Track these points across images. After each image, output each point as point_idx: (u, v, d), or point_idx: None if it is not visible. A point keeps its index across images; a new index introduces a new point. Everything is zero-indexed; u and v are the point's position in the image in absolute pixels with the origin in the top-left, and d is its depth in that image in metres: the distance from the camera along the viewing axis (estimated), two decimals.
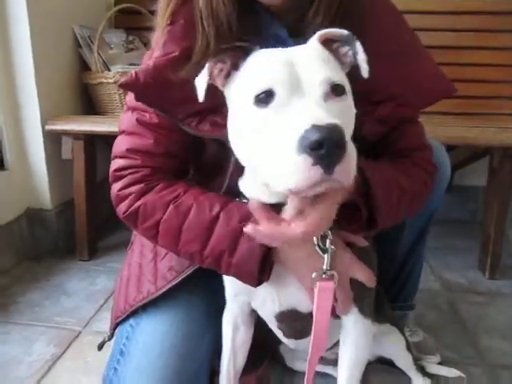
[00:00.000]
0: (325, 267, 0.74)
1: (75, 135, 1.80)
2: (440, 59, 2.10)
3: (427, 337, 1.30)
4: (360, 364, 0.86)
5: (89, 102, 2.06)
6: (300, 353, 1.09)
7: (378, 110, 0.84)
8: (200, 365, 0.95)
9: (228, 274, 0.82)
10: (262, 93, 0.62)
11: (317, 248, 0.75)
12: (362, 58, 0.68)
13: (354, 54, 0.69)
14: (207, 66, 0.69)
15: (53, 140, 1.86)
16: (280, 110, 0.61)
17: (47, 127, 1.80)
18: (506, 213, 1.76)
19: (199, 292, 1.00)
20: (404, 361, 1.13)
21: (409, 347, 1.12)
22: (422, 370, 1.17)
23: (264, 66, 0.66)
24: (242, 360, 0.96)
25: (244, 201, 0.79)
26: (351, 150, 0.58)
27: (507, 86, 2.14)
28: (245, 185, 0.80)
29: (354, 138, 0.83)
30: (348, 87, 0.67)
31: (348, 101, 0.67)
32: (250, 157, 0.67)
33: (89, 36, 2.03)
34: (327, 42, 0.71)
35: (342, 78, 0.66)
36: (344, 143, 0.56)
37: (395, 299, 1.22)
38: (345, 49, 0.71)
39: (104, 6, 2.26)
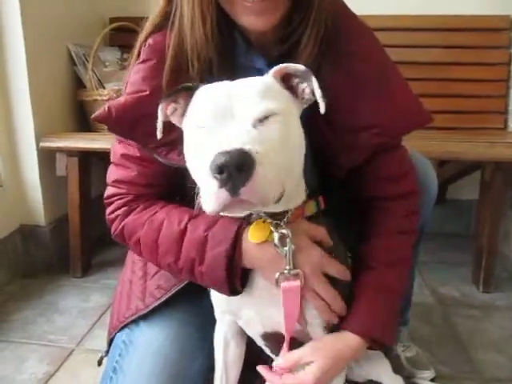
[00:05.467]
0: (287, 267, 0.75)
1: (69, 152, 1.81)
2: (431, 75, 2.17)
3: (421, 352, 1.29)
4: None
5: (83, 120, 2.07)
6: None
7: (355, 139, 0.85)
8: (194, 381, 0.95)
9: (204, 284, 0.84)
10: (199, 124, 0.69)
11: (277, 249, 0.76)
12: (318, 94, 0.71)
13: (312, 90, 0.73)
14: (160, 107, 0.74)
15: (47, 157, 1.86)
16: (211, 131, 0.66)
17: (42, 144, 1.80)
18: (499, 226, 1.77)
19: (191, 310, 1.00)
20: (393, 383, 1.12)
21: (396, 370, 1.11)
22: None
23: (201, 100, 0.72)
24: (235, 377, 0.96)
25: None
26: (260, 173, 0.60)
27: (497, 101, 2.18)
28: None
29: (333, 167, 0.85)
30: (287, 112, 0.70)
31: (279, 122, 0.68)
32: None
33: (83, 54, 2.06)
34: (288, 77, 0.74)
35: (277, 106, 0.68)
36: (247, 166, 0.59)
37: None
38: (303, 85, 0.74)
39: (99, 24, 2.29)
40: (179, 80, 0.81)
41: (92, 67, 1.95)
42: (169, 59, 0.84)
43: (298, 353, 0.81)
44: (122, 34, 2.22)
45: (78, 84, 2.05)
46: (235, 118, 0.66)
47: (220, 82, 0.73)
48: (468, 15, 2.16)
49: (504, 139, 1.94)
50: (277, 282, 0.76)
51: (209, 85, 0.73)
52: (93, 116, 0.86)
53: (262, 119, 0.66)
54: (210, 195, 0.61)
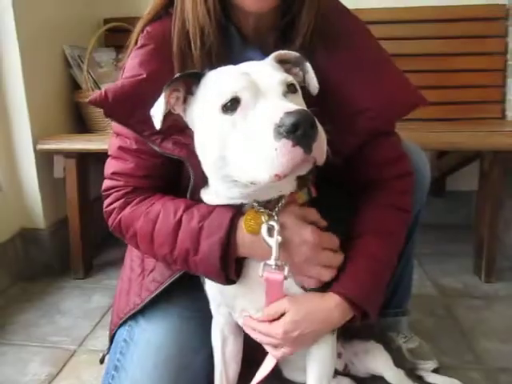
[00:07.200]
0: (273, 257, 0.75)
1: (67, 154, 1.81)
2: (427, 66, 2.17)
3: (423, 342, 1.29)
4: (327, 375, 0.88)
5: (80, 121, 2.07)
6: (297, 363, 1.09)
7: (350, 123, 0.86)
8: (195, 376, 0.96)
9: (198, 273, 0.85)
10: (228, 101, 0.67)
11: (266, 243, 0.76)
12: (311, 77, 0.77)
13: (304, 74, 0.78)
14: (163, 96, 0.73)
15: (45, 159, 1.86)
16: (247, 112, 0.66)
17: (39, 146, 1.80)
18: (499, 216, 1.77)
19: (190, 305, 1.01)
20: (395, 376, 1.12)
21: (399, 361, 1.11)
22: (420, 381, 1.16)
23: (224, 79, 0.71)
24: (234, 371, 0.96)
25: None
26: (321, 131, 0.63)
27: (495, 91, 2.17)
28: (207, 195, 0.84)
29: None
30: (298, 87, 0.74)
31: (301, 97, 0.74)
32: (223, 164, 0.70)
33: (79, 55, 2.05)
34: (283, 63, 0.78)
35: (292, 79, 0.72)
36: (315, 123, 0.61)
37: (387, 305, 1.21)
38: (295, 70, 0.79)
39: (93, 25, 2.29)
40: (184, 66, 0.83)
41: (87, 68, 1.95)
42: (175, 42, 0.85)
43: (275, 305, 0.81)
44: (116, 35, 2.22)
45: (74, 85, 2.05)
46: (265, 93, 0.67)
47: (228, 66, 0.74)
48: (463, 5, 2.15)
49: (502, 128, 1.94)
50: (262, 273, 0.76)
51: (218, 69, 0.75)
52: (88, 99, 0.85)
53: (287, 91, 0.69)
54: (282, 156, 0.61)
